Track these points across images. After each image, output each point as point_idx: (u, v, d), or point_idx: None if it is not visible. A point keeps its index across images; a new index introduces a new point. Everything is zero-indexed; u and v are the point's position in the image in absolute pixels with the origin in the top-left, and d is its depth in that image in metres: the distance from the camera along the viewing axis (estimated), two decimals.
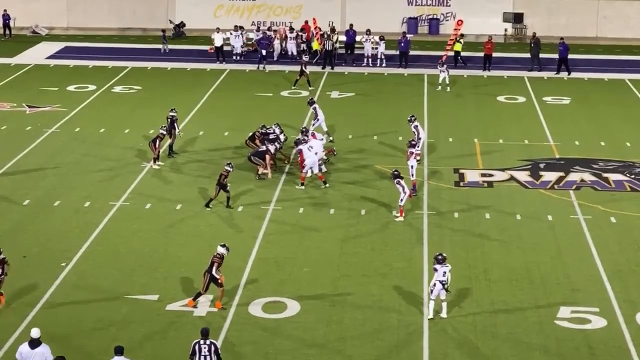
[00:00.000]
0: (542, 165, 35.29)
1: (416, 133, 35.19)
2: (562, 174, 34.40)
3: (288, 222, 29.94)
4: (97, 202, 31.33)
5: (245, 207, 31.02)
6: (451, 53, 50.82)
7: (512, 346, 22.70)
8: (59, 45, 56.25)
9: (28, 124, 39.98)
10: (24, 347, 20.03)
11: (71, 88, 46.23)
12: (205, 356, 20.16)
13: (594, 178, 33.97)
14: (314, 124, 37.08)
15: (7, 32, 58.31)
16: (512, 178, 34.04)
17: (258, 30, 53.42)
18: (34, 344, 19.93)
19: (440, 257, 23.83)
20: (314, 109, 37.51)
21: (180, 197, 31.85)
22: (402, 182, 29.97)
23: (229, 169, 30.68)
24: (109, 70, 49.93)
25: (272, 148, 33.47)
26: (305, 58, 47.24)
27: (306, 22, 53.63)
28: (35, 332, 20.06)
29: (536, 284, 25.77)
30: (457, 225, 29.80)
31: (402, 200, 29.90)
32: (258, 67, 50.20)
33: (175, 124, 35.82)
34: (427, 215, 30.47)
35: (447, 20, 59.80)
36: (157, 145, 34.17)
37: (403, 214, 29.97)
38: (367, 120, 41.26)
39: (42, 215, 30.45)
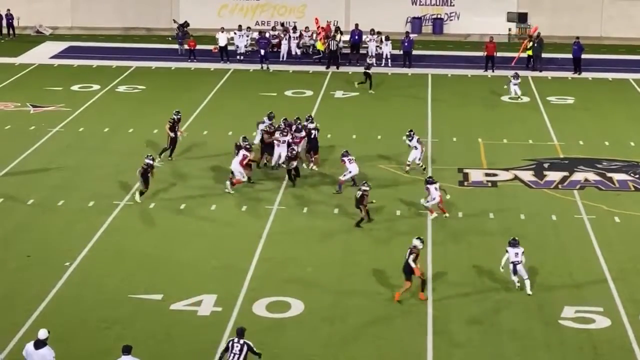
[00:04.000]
0: (546, 165, 35.27)
1: (418, 148, 34.26)
2: (566, 173, 34.37)
3: (292, 221, 29.92)
4: (101, 201, 31.34)
5: (249, 206, 31.02)
6: (524, 55, 50.65)
7: (516, 345, 22.69)
8: (63, 45, 56.29)
9: (32, 123, 40.00)
10: (30, 345, 20.03)
11: (75, 88, 46.25)
12: (235, 354, 20.22)
13: (598, 178, 33.94)
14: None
15: (11, 32, 58.36)
16: (516, 178, 34.02)
17: (273, 29, 53.94)
18: (39, 345, 19.88)
19: (512, 240, 25.51)
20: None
21: (185, 196, 31.85)
22: (436, 186, 29.96)
23: (149, 161, 31.02)
24: (113, 70, 49.96)
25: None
26: (369, 61, 46.56)
27: (317, 20, 53.06)
28: (41, 334, 20.00)
29: (540, 283, 25.75)
30: (461, 224, 29.78)
31: (428, 202, 30.01)
32: (262, 67, 50.21)
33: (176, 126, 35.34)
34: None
35: (451, 20, 59.80)
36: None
37: (435, 213, 30.08)
38: (370, 120, 41.24)
39: (46, 214, 30.47)
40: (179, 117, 35.38)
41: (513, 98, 44.28)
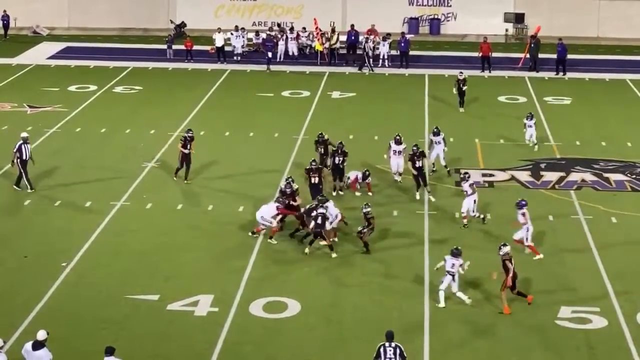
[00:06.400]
0: (543, 166, 35.29)
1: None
2: (563, 174, 34.40)
3: (289, 221, 29.88)
4: (97, 202, 31.34)
5: (246, 207, 31.01)
6: (527, 56, 50.65)
7: (513, 346, 22.71)
8: (60, 46, 56.27)
9: (29, 124, 39.97)
10: (29, 345, 20.04)
11: (72, 88, 46.25)
12: (390, 358, 20.06)
13: (594, 178, 33.97)
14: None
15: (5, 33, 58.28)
16: (513, 178, 34.04)
17: (270, 30, 53.79)
18: (37, 346, 19.87)
19: (455, 250, 24.53)
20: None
21: (181, 197, 31.86)
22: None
23: (324, 211, 27.52)
24: (110, 71, 49.95)
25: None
26: (460, 76, 42.09)
27: (315, 20, 52.73)
28: (40, 335, 20.00)
29: (537, 283, 25.75)
30: (458, 225, 29.78)
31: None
32: (268, 69, 49.93)
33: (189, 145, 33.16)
34: (428, 215, 30.47)
35: (448, 20, 59.82)
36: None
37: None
38: (368, 120, 41.24)
39: (43, 215, 30.46)
40: (190, 135, 33.26)
41: (530, 142, 37.10)
